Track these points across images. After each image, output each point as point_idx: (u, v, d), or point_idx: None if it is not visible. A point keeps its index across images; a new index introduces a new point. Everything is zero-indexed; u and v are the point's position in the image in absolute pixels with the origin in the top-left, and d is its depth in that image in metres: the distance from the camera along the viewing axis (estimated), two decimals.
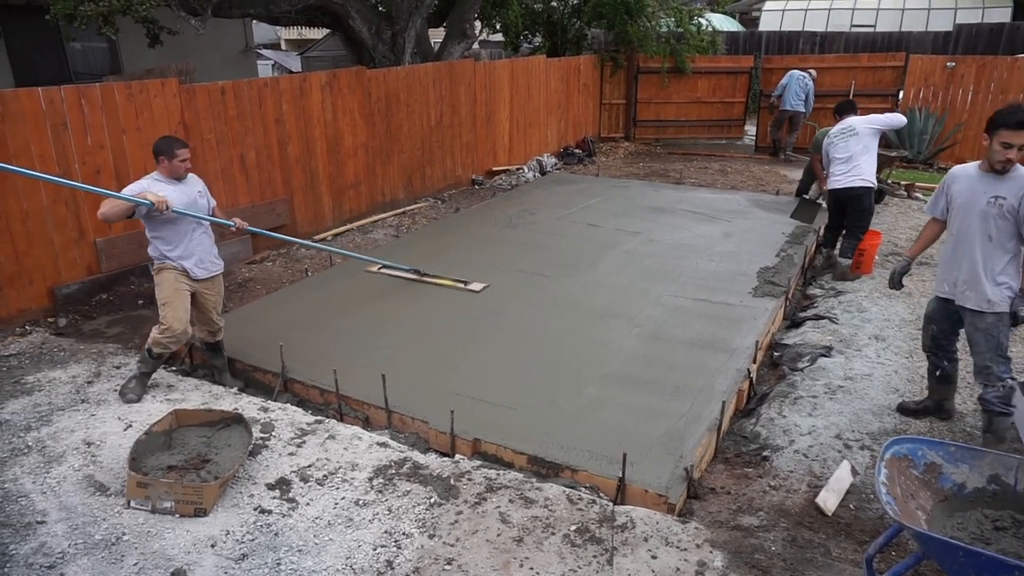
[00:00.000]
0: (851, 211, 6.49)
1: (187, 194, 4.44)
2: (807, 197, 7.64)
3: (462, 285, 6.16)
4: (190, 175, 4.51)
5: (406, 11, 10.39)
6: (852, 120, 6.60)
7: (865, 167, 6.42)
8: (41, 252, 5.59)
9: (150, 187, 4.28)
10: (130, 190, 4.27)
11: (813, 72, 12.18)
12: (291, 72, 19.14)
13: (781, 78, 12.30)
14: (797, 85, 11.97)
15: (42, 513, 3.34)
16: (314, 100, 7.77)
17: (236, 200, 7.06)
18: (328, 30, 13.90)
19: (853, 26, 19.88)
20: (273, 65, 22.67)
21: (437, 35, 12.72)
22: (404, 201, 9.40)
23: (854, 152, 6.42)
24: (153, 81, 6.35)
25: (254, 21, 13.72)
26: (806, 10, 21.45)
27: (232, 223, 4.63)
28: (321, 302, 5.90)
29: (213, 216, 4.63)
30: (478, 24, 12.96)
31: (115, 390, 4.46)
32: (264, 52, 22.77)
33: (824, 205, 7.51)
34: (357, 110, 8.37)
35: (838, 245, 6.68)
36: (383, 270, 6.46)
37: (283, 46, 29.10)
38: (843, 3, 21.77)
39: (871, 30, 18.93)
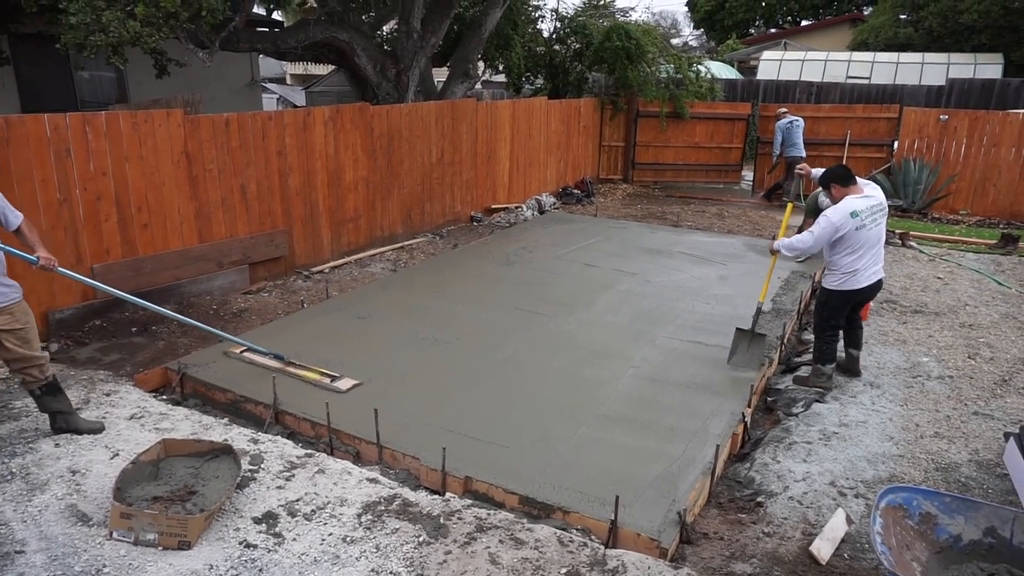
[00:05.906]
0: (861, 306, 5.45)
1: None
2: (745, 329, 5.58)
3: (328, 380, 4.99)
4: None
5: (411, 50, 10.60)
6: (877, 193, 5.03)
7: None
8: (37, 276, 5.54)
9: None
10: None
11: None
12: (295, 106, 19.42)
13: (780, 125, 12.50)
14: (797, 129, 12.11)
15: (21, 543, 3.27)
16: (317, 134, 7.86)
17: (235, 230, 7.10)
18: (333, 66, 14.14)
19: (848, 77, 20.32)
20: (278, 99, 22.99)
21: (441, 74, 12.95)
22: (403, 236, 9.45)
23: (883, 235, 5.09)
24: (158, 111, 6.43)
25: (260, 56, 13.95)
26: (803, 60, 21.95)
27: (36, 258, 3.87)
28: (315, 333, 5.88)
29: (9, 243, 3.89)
30: (481, 65, 13.21)
31: (103, 417, 4.40)
32: (269, 86, 23.10)
33: (766, 337, 5.69)
34: (359, 145, 8.46)
35: (839, 344, 5.35)
36: (246, 353, 5.37)
37: (288, 80, 29.56)
38: (839, 55, 22.32)
39: (866, 82, 19.34)
